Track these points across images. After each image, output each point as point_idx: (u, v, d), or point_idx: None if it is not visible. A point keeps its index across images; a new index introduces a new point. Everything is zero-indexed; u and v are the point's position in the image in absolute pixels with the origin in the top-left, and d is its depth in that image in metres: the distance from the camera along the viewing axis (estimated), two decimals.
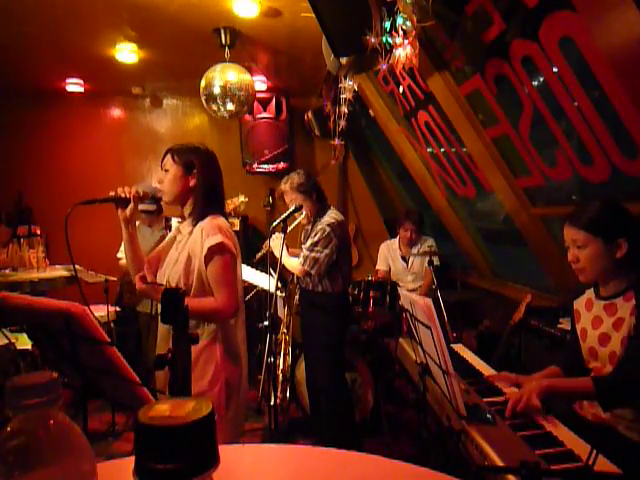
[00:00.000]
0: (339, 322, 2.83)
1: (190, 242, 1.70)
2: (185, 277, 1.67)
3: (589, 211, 1.54)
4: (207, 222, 1.69)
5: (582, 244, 1.53)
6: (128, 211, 1.70)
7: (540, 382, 1.55)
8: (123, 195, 1.69)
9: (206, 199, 1.73)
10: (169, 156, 1.74)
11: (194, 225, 1.72)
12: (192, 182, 1.73)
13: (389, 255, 3.96)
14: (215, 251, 1.63)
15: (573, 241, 1.56)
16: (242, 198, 3.37)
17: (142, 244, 1.89)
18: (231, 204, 3.32)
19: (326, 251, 2.67)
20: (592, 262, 1.53)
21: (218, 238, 1.63)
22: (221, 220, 1.72)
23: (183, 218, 1.82)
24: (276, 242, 2.71)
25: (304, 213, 2.79)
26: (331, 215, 2.75)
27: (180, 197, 1.75)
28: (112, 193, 1.69)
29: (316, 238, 2.68)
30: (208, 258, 1.64)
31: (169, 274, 1.71)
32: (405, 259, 3.88)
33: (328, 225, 2.68)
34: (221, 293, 1.64)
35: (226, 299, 1.64)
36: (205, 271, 1.66)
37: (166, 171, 1.74)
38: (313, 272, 2.69)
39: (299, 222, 2.86)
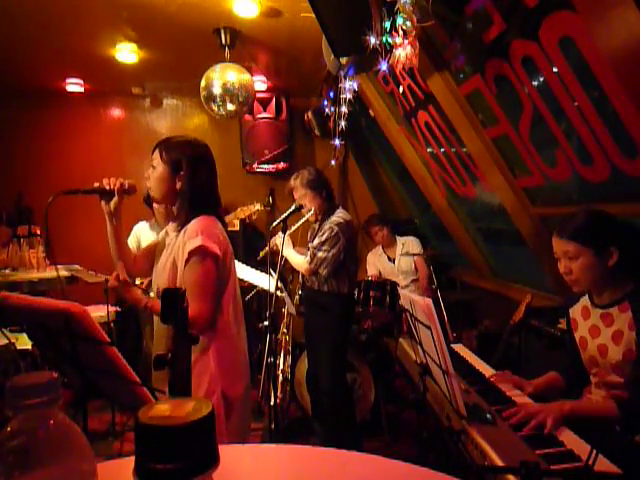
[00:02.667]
0: (343, 323, 2.81)
1: (175, 247, 1.60)
2: (172, 285, 1.57)
3: (576, 221, 1.53)
4: (191, 224, 1.58)
5: (573, 255, 1.52)
6: (112, 204, 1.62)
7: (562, 406, 1.47)
8: (108, 187, 1.60)
9: (192, 204, 1.62)
10: (157, 151, 1.63)
11: (179, 229, 1.62)
12: (178, 184, 1.61)
13: (376, 260, 4.02)
14: (193, 255, 1.52)
15: (564, 253, 1.55)
16: (257, 206, 3.29)
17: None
18: (247, 210, 3.26)
19: (333, 251, 2.63)
20: (585, 272, 1.52)
21: (197, 241, 1.51)
22: (208, 220, 1.60)
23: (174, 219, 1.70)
24: (282, 240, 2.67)
25: (312, 211, 2.74)
26: (339, 215, 2.71)
27: (166, 198, 1.65)
28: (97, 184, 1.61)
29: (324, 237, 2.64)
30: (187, 263, 1.53)
31: (158, 282, 1.64)
32: (391, 259, 3.90)
33: (336, 225, 2.64)
34: (194, 302, 1.47)
35: (198, 310, 1.49)
36: None
37: (153, 167, 1.63)
38: (321, 271, 2.66)
39: (306, 220, 2.81)
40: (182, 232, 1.60)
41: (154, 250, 1.79)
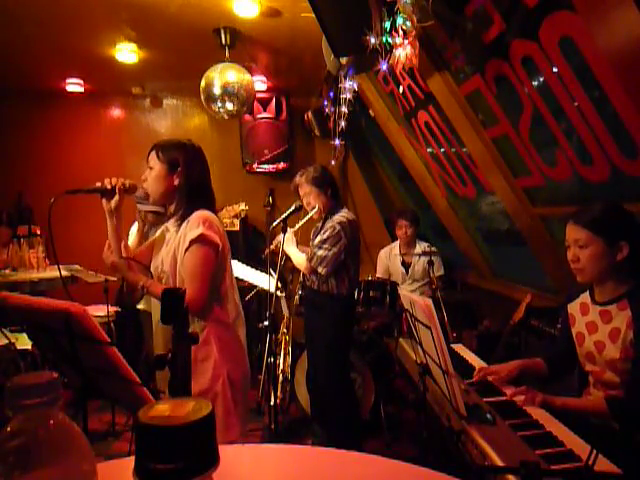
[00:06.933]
0: (340, 324, 2.77)
1: (176, 241, 1.68)
2: (172, 277, 1.67)
3: (594, 211, 1.54)
4: (192, 217, 1.66)
5: (584, 243, 1.53)
6: (113, 203, 1.67)
7: (546, 397, 1.56)
8: (109, 186, 1.67)
9: (191, 198, 1.70)
10: (154, 153, 1.71)
11: (179, 225, 1.70)
12: (176, 181, 1.70)
13: (388, 262, 3.95)
14: (194, 242, 1.61)
15: (575, 240, 1.55)
16: (242, 206, 3.39)
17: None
18: (232, 211, 3.33)
19: (334, 250, 2.59)
20: (592, 262, 1.53)
21: (199, 230, 1.60)
22: (207, 213, 1.68)
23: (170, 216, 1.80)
24: (287, 236, 2.67)
25: (317, 208, 2.72)
26: (343, 214, 2.69)
27: (165, 196, 1.73)
28: (98, 184, 1.68)
29: (325, 236, 2.61)
30: (187, 250, 1.61)
31: (160, 274, 1.72)
32: (405, 265, 3.86)
33: (339, 223, 2.61)
34: (191, 286, 1.58)
35: (194, 294, 1.57)
36: None
37: (150, 168, 1.71)
38: (320, 270, 2.62)
39: (311, 217, 2.78)
40: (183, 225, 1.67)
41: (151, 247, 1.86)
